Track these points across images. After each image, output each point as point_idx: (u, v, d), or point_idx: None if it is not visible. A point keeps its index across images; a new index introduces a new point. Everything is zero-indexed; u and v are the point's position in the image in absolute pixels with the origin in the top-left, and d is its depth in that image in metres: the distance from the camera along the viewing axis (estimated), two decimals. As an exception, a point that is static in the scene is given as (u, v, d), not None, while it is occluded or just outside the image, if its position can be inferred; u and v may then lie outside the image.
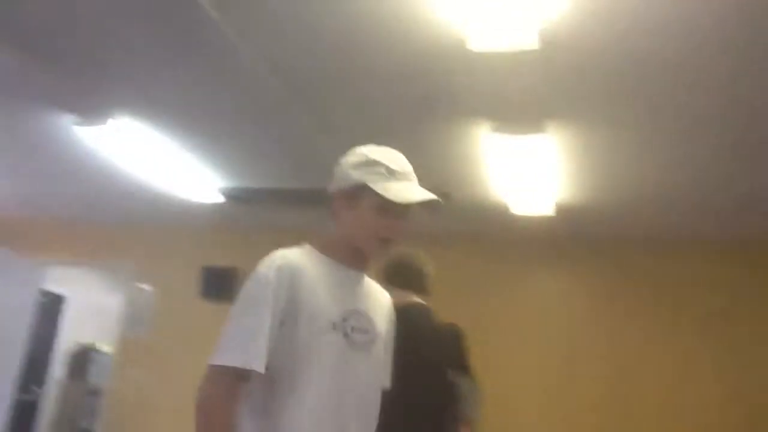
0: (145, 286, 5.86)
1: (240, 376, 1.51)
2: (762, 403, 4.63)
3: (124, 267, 5.98)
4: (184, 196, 4.98)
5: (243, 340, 1.51)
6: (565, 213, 4.53)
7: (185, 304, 5.69)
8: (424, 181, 1.70)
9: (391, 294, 2.87)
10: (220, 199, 4.94)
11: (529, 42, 2.51)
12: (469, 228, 5.08)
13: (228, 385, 1.51)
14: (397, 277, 2.93)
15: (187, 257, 5.87)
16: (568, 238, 5.14)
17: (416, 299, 2.92)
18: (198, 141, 4.04)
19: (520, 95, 3.07)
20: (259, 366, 1.49)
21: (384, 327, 1.77)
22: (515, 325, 5.08)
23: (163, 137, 3.94)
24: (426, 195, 1.65)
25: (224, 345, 1.52)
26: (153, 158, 4.27)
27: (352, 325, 1.63)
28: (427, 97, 3.22)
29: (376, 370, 1.73)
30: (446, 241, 4.97)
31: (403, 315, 2.76)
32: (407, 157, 1.71)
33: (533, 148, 3.53)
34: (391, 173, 1.65)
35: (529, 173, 3.92)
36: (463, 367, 3.97)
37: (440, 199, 1.66)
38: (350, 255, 1.70)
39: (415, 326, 2.77)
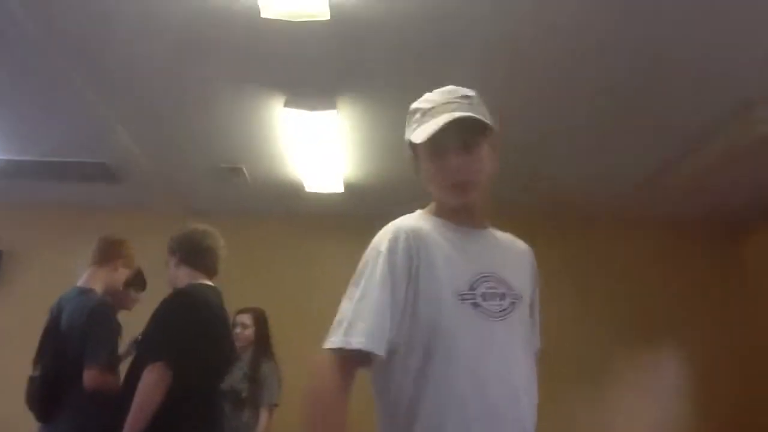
0: None
1: (354, 360, 1.32)
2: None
3: None
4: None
5: (356, 319, 1.33)
6: (354, 190, 4.64)
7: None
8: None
9: (176, 274, 2.72)
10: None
11: (321, 11, 2.51)
12: (263, 206, 5.03)
13: (338, 373, 1.31)
14: (186, 255, 2.73)
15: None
16: (356, 215, 5.24)
17: (205, 281, 2.71)
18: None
19: (313, 68, 3.07)
20: (373, 346, 1.30)
21: (526, 283, 1.51)
22: (309, 305, 5.08)
23: None
24: (448, 117, 1.40)
25: (335, 326, 1.35)
26: None
27: (483, 293, 1.39)
28: (221, 69, 3.11)
29: (523, 342, 1.44)
30: (239, 219, 4.88)
31: (192, 297, 2.62)
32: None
33: (325, 125, 3.57)
34: (424, 115, 1.46)
35: (321, 150, 3.95)
36: (266, 352, 3.92)
37: (471, 114, 1.42)
38: (456, 212, 1.48)
39: (208, 309, 2.63)
